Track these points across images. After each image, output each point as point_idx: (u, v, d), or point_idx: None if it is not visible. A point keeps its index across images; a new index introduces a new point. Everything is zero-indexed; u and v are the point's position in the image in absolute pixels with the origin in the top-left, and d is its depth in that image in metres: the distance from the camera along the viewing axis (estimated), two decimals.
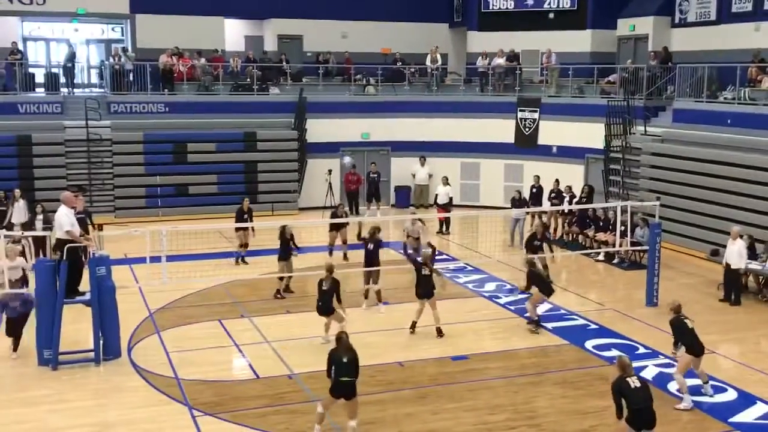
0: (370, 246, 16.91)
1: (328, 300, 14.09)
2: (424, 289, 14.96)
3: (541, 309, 16.77)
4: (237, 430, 11.19)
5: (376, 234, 17.02)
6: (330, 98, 28.38)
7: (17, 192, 21.16)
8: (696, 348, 12.07)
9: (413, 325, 15.03)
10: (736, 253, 17.12)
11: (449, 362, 13.63)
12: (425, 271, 14.98)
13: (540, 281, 15.63)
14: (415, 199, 28.42)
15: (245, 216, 20.19)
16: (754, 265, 17.47)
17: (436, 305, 14.99)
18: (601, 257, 20.87)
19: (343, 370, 10.53)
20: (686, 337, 12.11)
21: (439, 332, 14.84)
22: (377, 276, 16.82)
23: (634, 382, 9.88)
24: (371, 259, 16.85)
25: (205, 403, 11.95)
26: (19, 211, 20.59)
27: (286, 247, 17.34)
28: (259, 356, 13.84)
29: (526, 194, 24.01)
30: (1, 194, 23.46)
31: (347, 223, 20.32)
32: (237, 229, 20.14)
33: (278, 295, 17.16)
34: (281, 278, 17.35)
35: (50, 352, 13.23)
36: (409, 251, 18.46)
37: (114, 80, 26.75)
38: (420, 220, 20.17)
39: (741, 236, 17.41)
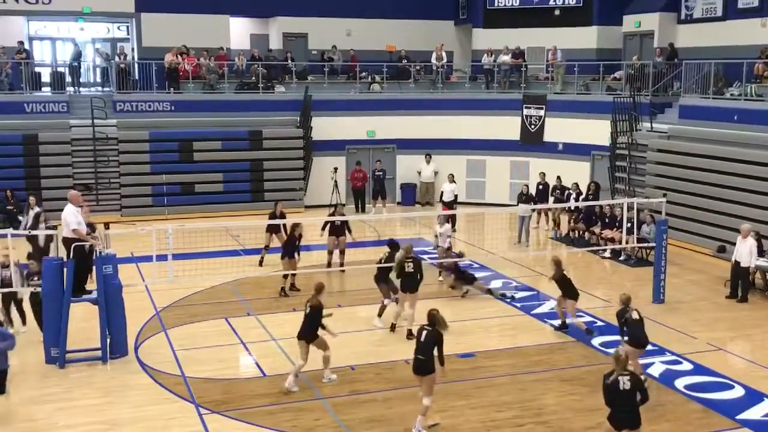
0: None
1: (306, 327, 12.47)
2: (409, 284, 14.59)
3: (547, 307, 16.80)
4: (244, 428, 11.20)
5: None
6: (335, 96, 28.38)
7: (32, 200, 20.00)
8: (637, 341, 12.03)
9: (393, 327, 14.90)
10: (746, 251, 17.01)
11: (456, 359, 13.59)
12: (409, 268, 14.64)
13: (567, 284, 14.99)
14: (421, 196, 28.42)
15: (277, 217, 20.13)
16: (762, 262, 17.41)
17: (416, 305, 14.60)
18: (607, 254, 20.83)
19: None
20: (630, 329, 12.13)
21: (410, 334, 14.31)
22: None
23: (625, 383, 9.50)
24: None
25: (212, 401, 11.97)
26: (30, 221, 19.22)
27: (292, 246, 17.25)
28: (265, 354, 13.85)
29: (532, 191, 24.02)
30: (8, 193, 23.63)
31: (347, 230, 19.34)
32: (268, 230, 19.62)
33: (283, 293, 17.14)
34: (285, 276, 17.27)
35: (57, 350, 13.26)
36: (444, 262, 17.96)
37: (120, 79, 26.79)
38: (447, 221, 19.65)
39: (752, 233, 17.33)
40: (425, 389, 10.89)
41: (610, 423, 9.68)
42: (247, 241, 21.42)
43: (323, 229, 19.53)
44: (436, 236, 19.17)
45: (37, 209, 19.45)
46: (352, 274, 18.84)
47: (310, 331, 12.29)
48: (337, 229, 19.10)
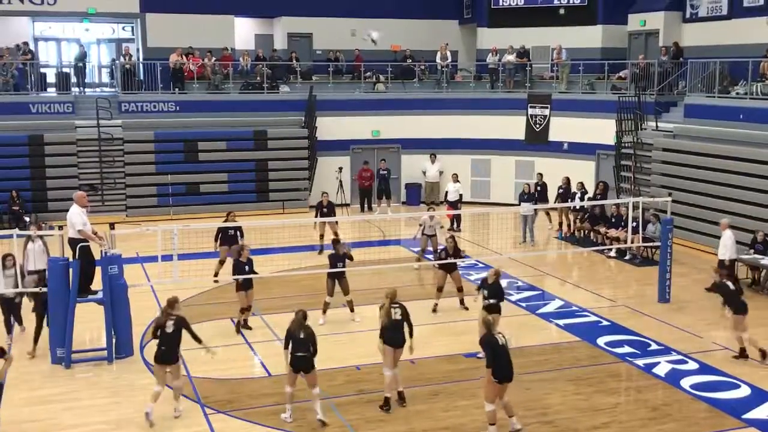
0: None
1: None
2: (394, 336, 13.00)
3: (554, 306, 16.77)
4: (249, 428, 11.22)
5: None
6: (340, 96, 28.37)
7: (34, 229, 15.57)
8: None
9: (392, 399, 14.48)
10: (725, 244, 17.35)
11: (461, 359, 13.61)
12: (396, 315, 13.65)
13: (730, 295, 13.96)
14: (426, 196, 28.40)
15: (324, 210, 20.28)
16: (748, 257, 17.80)
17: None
18: (612, 254, 20.81)
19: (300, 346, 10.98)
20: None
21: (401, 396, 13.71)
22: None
23: (501, 338, 10.63)
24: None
25: (217, 401, 11.98)
26: (36, 256, 14.83)
27: (241, 273, 14.89)
28: (270, 354, 13.84)
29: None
30: (14, 194, 23.69)
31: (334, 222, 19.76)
32: (316, 223, 20.10)
33: (239, 329, 15.10)
34: (242, 311, 15.10)
35: (63, 350, 13.29)
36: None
37: (125, 80, 26.84)
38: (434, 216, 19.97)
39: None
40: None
41: (493, 377, 10.59)
42: (252, 241, 21.36)
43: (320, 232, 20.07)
44: (420, 225, 19.42)
45: (39, 243, 15.05)
46: (355, 274, 18.80)
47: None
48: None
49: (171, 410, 11.65)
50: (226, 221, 18.18)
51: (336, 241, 15.96)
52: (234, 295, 15.10)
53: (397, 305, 11.79)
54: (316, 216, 20.52)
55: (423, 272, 19.20)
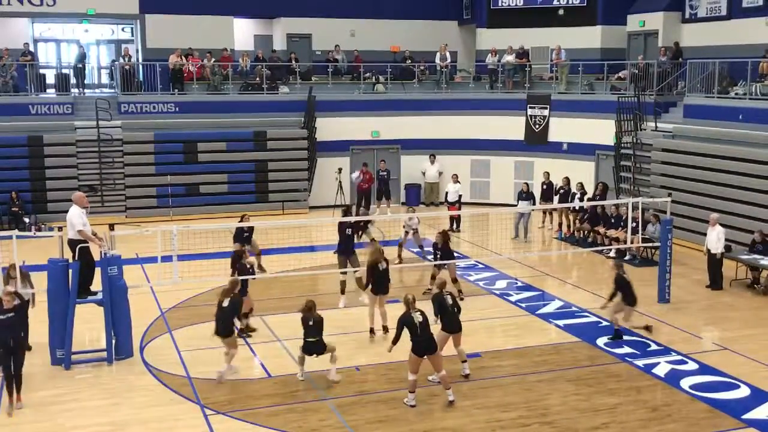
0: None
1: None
2: (380, 285, 14.65)
3: (554, 306, 16.79)
4: (249, 429, 11.22)
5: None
6: (339, 97, 28.37)
7: (14, 269, 13.78)
8: (450, 326, 12.58)
9: (372, 331, 14.82)
10: (714, 239, 17.78)
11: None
12: (382, 266, 14.70)
13: (626, 288, 14.59)
14: (426, 196, 28.41)
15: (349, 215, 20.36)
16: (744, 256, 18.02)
17: (384, 303, 14.74)
18: (612, 254, 20.80)
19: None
20: (445, 314, 12.56)
21: (386, 330, 14.59)
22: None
23: (417, 317, 11.59)
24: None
25: (218, 402, 11.98)
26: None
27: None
28: (270, 355, 13.86)
29: (536, 190, 24.05)
30: (13, 195, 23.72)
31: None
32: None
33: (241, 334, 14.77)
34: (246, 315, 15.10)
35: (63, 351, 13.29)
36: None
37: (124, 81, 26.84)
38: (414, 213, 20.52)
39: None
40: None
41: (415, 353, 11.62)
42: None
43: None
44: (403, 226, 20.06)
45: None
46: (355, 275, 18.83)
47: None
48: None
49: (171, 411, 11.67)
50: (241, 222, 18.28)
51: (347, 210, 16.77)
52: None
53: (418, 310, 11.93)
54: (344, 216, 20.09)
55: (423, 272, 19.18)
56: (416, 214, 20.48)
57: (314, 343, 12.47)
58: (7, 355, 11.65)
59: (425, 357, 11.68)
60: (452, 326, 12.60)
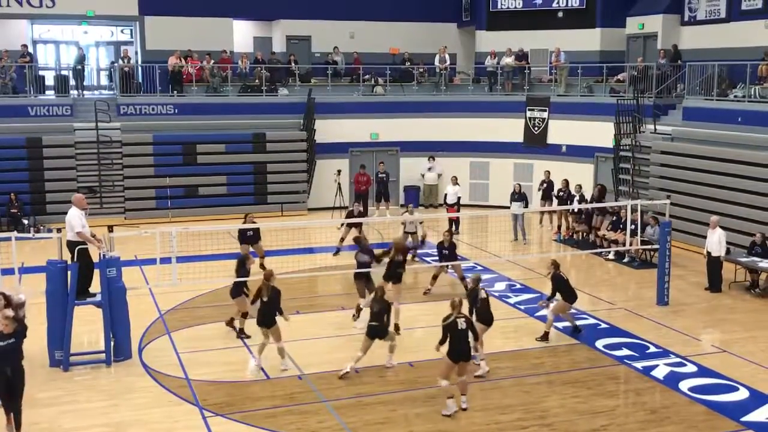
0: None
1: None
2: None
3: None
4: (247, 431, 11.21)
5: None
6: (338, 99, 28.38)
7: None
8: (486, 318, 13.39)
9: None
10: (716, 242, 17.79)
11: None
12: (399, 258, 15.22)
13: (565, 286, 14.88)
14: (424, 199, 28.41)
15: (355, 216, 20.61)
16: (744, 258, 18.03)
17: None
18: (611, 256, 20.81)
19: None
20: (481, 306, 13.34)
21: (397, 328, 14.64)
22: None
23: (461, 323, 11.57)
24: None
25: (216, 404, 11.97)
26: None
27: (243, 283, 14.99)
28: (269, 357, 13.82)
29: (536, 190, 24.09)
30: (12, 196, 23.70)
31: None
32: (348, 225, 20.51)
33: (240, 335, 14.99)
34: (243, 315, 14.97)
35: (61, 353, 13.28)
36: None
37: (123, 82, 26.83)
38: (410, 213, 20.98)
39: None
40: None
41: (449, 357, 11.52)
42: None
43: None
44: (403, 223, 20.48)
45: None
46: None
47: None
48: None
49: (169, 413, 11.67)
50: (244, 222, 18.28)
51: (358, 239, 16.57)
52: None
53: (462, 316, 11.81)
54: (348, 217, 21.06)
55: (422, 274, 19.19)
56: (416, 215, 20.59)
57: (375, 327, 12.88)
58: (4, 388, 10.62)
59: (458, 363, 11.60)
60: (488, 318, 13.35)
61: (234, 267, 14.96)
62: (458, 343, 11.55)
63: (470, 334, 11.83)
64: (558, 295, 14.86)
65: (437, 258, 18.03)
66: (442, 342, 11.66)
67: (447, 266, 17.69)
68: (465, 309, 12.34)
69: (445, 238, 17.25)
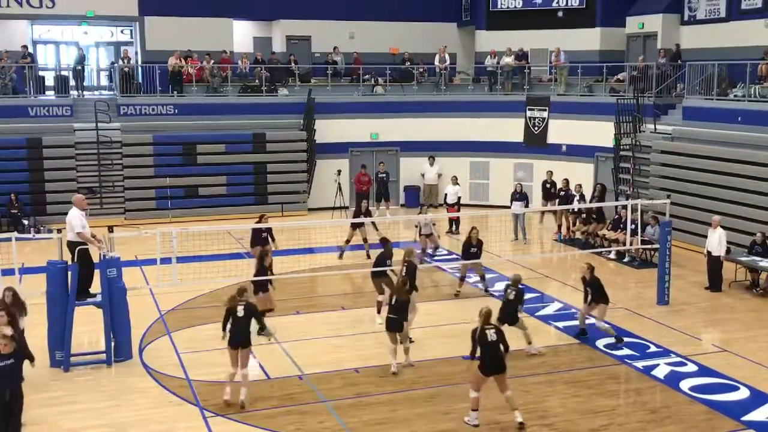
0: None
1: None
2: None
3: (553, 308, 16.78)
4: (247, 431, 11.21)
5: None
6: (338, 99, 28.37)
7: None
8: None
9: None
10: (716, 242, 17.78)
11: (460, 362, 13.56)
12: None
13: (602, 289, 14.62)
14: (425, 198, 28.39)
15: (362, 215, 20.60)
16: (744, 257, 18.02)
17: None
18: (612, 256, 20.80)
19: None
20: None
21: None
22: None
23: (491, 335, 11.11)
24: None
25: (216, 404, 11.96)
26: None
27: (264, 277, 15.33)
28: (269, 357, 13.84)
29: (538, 190, 24.06)
30: (13, 197, 23.70)
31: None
32: (352, 225, 20.61)
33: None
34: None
35: (62, 353, 13.28)
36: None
37: (123, 83, 26.83)
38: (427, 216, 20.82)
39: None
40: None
41: (480, 371, 11.11)
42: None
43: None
44: (416, 226, 20.49)
45: None
46: (356, 276, 18.84)
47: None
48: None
49: (170, 414, 11.67)
50: (258, 222, 18.25)
51: (385, 240, 16.35)
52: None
53: (492, 327, 11.33)
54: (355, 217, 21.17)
55: (432, 274, 19.17)
56: (429, 215, 20.74)
57: (394, 320, 12.99)
58: (1, 412, 10.12)
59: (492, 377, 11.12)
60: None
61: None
62: (488, 356, 11.06)
63: (501, 346, 11.15)
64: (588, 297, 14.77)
65: (461, 257, 17.90)
66: (472, 353, 11.18)
67: (469, 264, 17.61)
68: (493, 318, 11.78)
69: (473, 235, 17.27)
